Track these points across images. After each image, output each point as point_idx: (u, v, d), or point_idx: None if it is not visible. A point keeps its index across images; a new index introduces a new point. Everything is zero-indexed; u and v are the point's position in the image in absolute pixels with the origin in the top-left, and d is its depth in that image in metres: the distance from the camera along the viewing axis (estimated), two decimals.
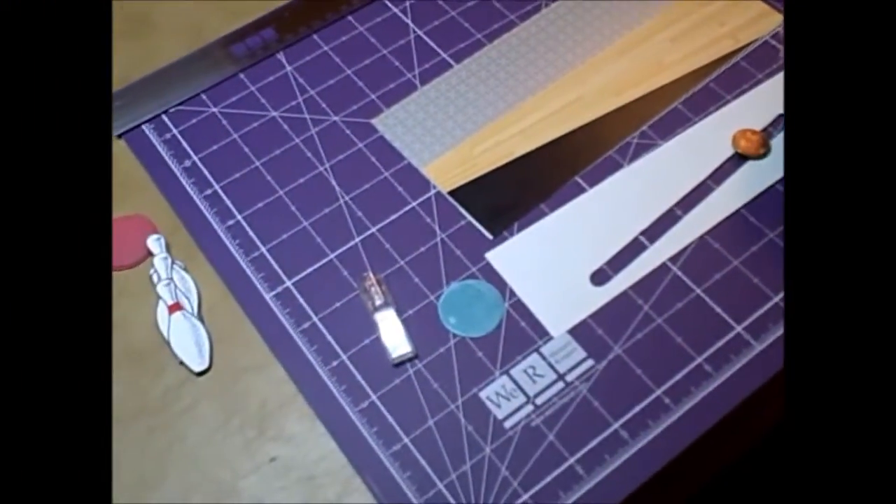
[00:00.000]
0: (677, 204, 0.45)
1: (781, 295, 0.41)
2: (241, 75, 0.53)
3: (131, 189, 0.48)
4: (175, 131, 0.50)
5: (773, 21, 0.52)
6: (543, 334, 0.41)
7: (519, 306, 0.42)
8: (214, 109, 0.51)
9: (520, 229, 0.45)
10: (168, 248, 0.46)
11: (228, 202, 0.47)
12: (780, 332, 0.40)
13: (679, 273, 0.42)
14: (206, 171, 0.48)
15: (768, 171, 0.45)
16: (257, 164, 0.49)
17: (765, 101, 0.48)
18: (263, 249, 0.45)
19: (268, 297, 0.43)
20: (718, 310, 0.41)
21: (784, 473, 0.54)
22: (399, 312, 0.42)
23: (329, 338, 0.42)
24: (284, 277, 0.44)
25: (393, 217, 0.46)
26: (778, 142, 0.46)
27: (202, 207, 0.47)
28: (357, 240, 0.45)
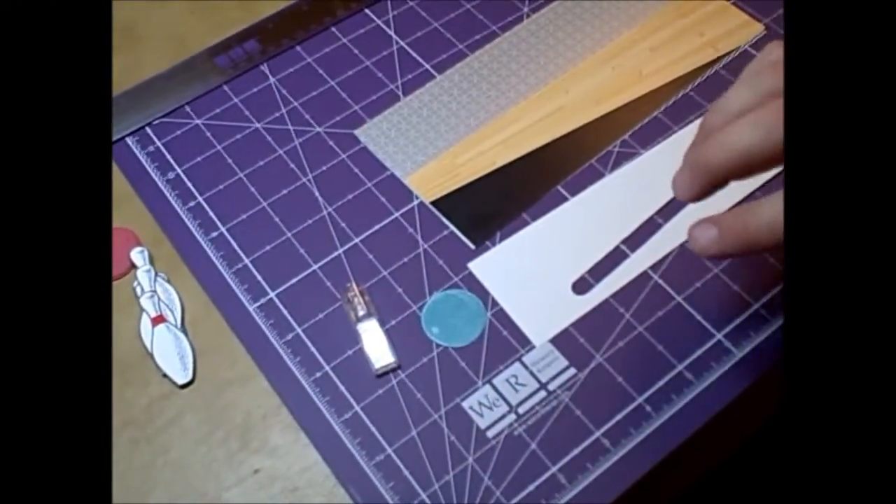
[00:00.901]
0: (658, 212, 0.45)
1: (762, 302, 0.42)
2: (225, 87, 0.53)
3: (115, 202, 0.48)
4: (159, 143, 0.51)
5: (753, 31, 0.52)
6: (525, 343, 0.41)
7: (501, 316, 0.42)
8: (198, 121, 0.51)
9: (502, 239, 0.45)
10: (151, 261, 0.46)
11: (212, 214, 0.47)
12: (760, 339, 0.41)
13: (660, 281, 0.43)
14: (189, 183, 0.49)
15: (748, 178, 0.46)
16: (241, 175, 0.49)
17: None
18: (247, 261, 0.45)
19: (251, 308, 0.44)
20: (699, 317, 0.42)
21: (766, 478, 0.54)
22: (382, 323, 0.42)
23: (312, 349, 0.42)
24: (268, 289, 0.44)
25: (376, 228, 0.46)
26: None
27: (186, 219, 0.47)
28: (340, 251, 0.45)
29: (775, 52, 0.35)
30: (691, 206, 0.45)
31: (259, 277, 0.45)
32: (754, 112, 0.32)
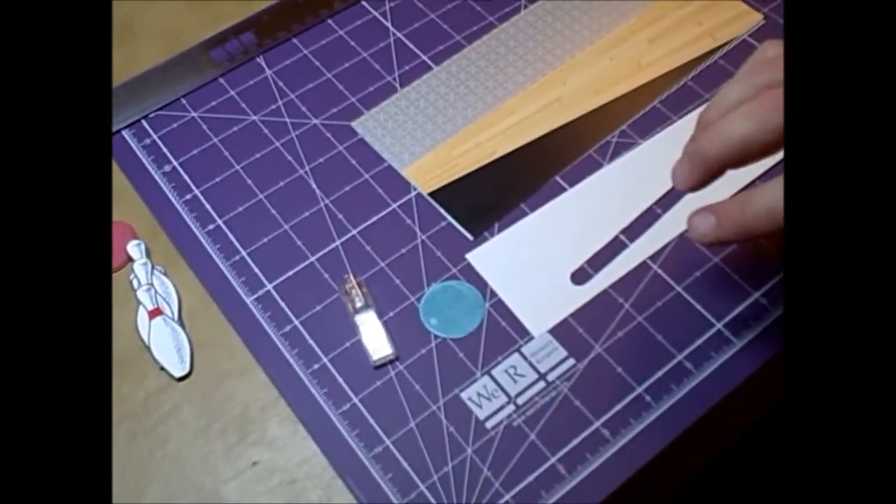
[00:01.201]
0: (657, 202, 0.45)
1: (761, 291, 0.41)
2: (221, 79, 0.53)
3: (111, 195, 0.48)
4: (155, 136, 0.50)
5: (751, 20, 0.52)
6: (524, 334, 0.41)
7: (500, 306, 0.42)
8: (194, 114, 0.51)
9: (500, 230, 0.45)
10: (148, 254, 0.46)
11: (208, 206, 0.47)
12: (760, 328, 0.40)
13: (659, 271, 0.43)
14: (185, 176, 0.48)
15: (747, 167, 0.45)
16: (237, 168, 0.48)
17: None
18: (244, 253, 0.45)
19: (248, 301, 0.43)
20: (699, 307, 0.41)
21: (766, 467, 0.54)
22: (380, 314, 0.42)
23: (310, 341, 0.42)
24: (265, 281, 0.44)
25: (373, 219, 0.46)
26: None
27: (182, 212, 0.47)
28: (337, 242, 0.45)
29: (770, 50, 0.36)
30: (690, 196, 0.44)
31: (256, 270, 0.44)
32: (748, 104, 0.33)
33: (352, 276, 0.43)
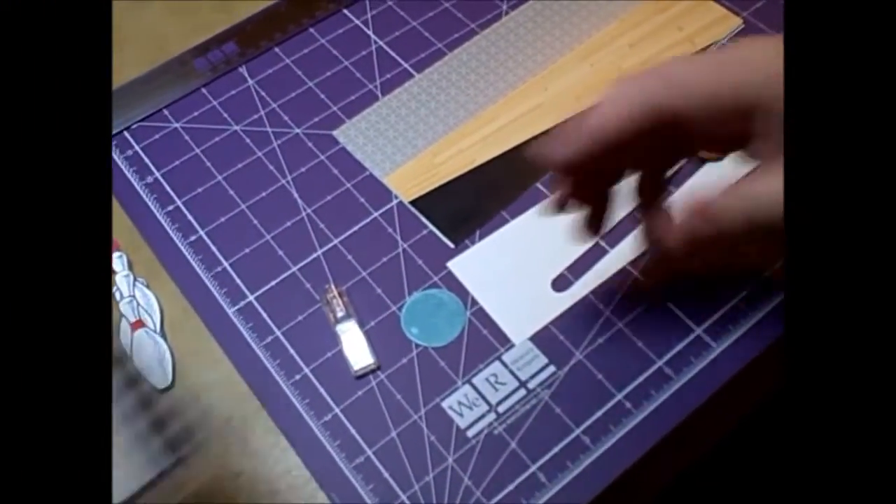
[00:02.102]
0: (637, 207, 0.45)
1: (740, 296, 0.42)
2: (204, 90, 0.53)
3: None
4: (137, 148, 0.50)
5: (731, 24, 0.52)
6: (505, 342, 0.41)
7: (481, 314, 0.42)
8: (177, 125, 0.51)
9: (481, 237, 0.45)
10: (130, 266, 0.46)
11: (191, 217, 0.47)
12: (739, 332, 0.41)
13: (639, 277, 0.43)
14: (168, 187, 0.48)
15: (727, 173, 0.46)
16: (219, 178, 0.48)
17: None
18: (226, 264, 0.45)
19: (230, 312, 0.43)
20: (679, 313, 0.41)
21: (748, 471, 0.54)
22: (361, 324, 0.42)
23: (292, 351, 0.42)
24: (247, 292, 0.44)
25: (355, 228, 0.46)
26: None
27: (164, 224, 0.47)
28: (319, 252, 0.45)
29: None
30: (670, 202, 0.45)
31: (238, 281, 0.44)
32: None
33: (333, 286, 0.43)
